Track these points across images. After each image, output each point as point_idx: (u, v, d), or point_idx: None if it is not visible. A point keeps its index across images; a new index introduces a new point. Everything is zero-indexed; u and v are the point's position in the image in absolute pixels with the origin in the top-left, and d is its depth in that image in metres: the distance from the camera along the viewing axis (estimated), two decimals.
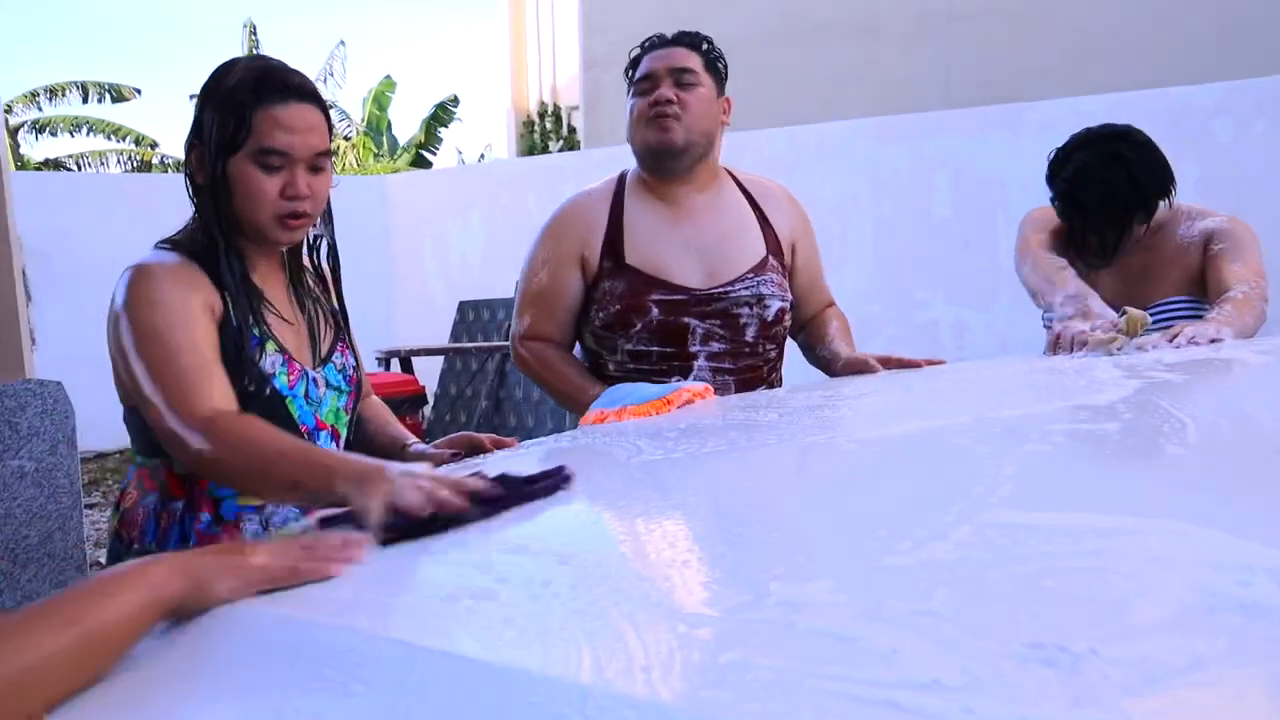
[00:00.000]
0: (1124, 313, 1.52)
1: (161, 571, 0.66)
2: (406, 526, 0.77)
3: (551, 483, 0.82)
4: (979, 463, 0.77)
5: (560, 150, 10.68)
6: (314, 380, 1.30)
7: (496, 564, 0.68)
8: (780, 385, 1.77)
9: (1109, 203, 1.76)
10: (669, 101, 1.62)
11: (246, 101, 1.18)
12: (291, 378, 1.26)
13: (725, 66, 1.72)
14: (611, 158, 6.92)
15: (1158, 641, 0.42)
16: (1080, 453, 0.80)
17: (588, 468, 0.91)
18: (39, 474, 2.75)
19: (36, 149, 13.57)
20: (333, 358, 1.35)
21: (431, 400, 5.98)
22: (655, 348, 1.64)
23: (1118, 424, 0.87)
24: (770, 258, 1.70)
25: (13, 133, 12.86)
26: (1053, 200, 1.85)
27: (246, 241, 1.26)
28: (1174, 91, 4.74)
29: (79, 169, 13.18)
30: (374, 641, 0.55)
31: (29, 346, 3.16)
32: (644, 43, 1.71)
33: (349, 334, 1.41)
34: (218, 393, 1.13)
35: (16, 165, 11.60)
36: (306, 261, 1.39)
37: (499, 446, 1.29)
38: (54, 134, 13.39)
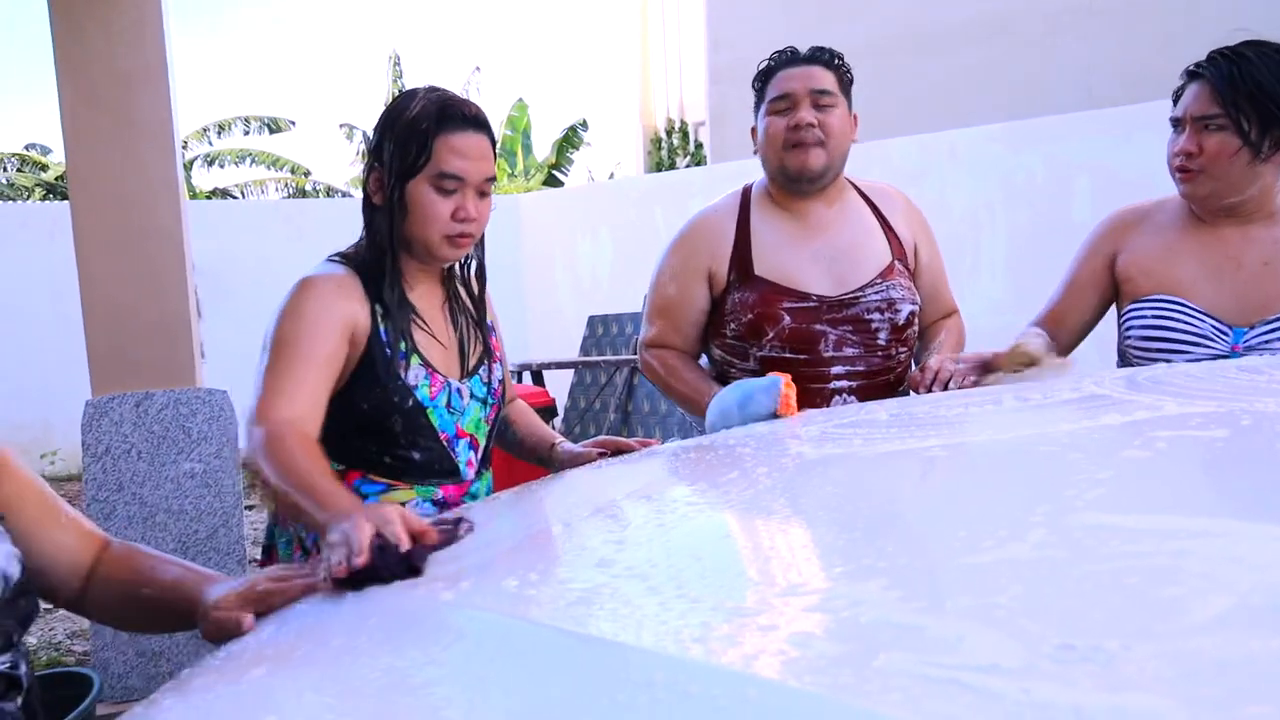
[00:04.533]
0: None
1: None
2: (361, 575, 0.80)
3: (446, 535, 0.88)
4: (1073, 467, 0.77)
5: (687, 166, 10.77)
6: (458, 391, 1.38)
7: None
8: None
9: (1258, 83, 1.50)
10: (810, 125, 1.64)
11: (429, 129, 1.28)
12: (434, 389, 1.35)
13: (852, 81, 1.74)
14: (739, 172, 6.95)
15: (1213, 638, 0.43)
16: (1181, 458, 0.79)
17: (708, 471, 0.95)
18: (207, 475, 3.01)
19: (206, 179, 14.71)
20: (479, 370, 1.43)
21: (561, 413, 6.15)
22: (789, 354, 1.66)
23: (1228, 429, 0.85)
24: (896, 262, 1.71)
25: (187, 166, 14.02)
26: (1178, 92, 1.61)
27: (410, 259, 1.36)
28: None
29: (242, 196, 14.20)
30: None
31: (199, 358, 3.47)
32: (776, 56, 1.72)
33: (493, 347, 1.47)
34: (299, 404, 1.19)
35: (190, 195, 12.63)
36: (459, 280, 1.47)
37: (643, 447, 1.37)
38: (221, 165, 14.47)
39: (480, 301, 1.48)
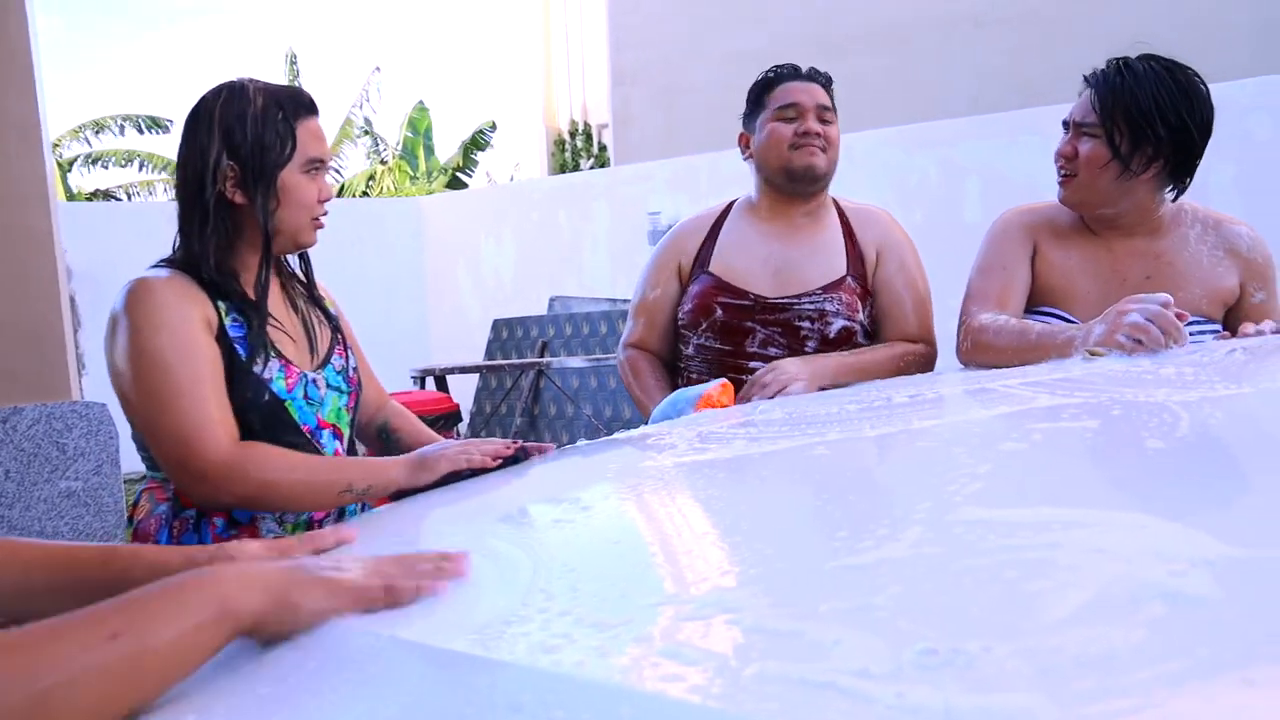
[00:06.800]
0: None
1: (236, 583, 0.58)
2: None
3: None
4: (953, 462, 0.78)
5: (591, 167, 10.76)
6: (314, 382, 1.36)
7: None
8: None
9: (1150, 93, 1.52)
10: (817, 134, 1.77)
11: (288, 118, 1.31)
12: (290, 381, 1.32)
13: None
14: (642, 173, 6.98)
15: (1073, 634, 0.43)
16: (1061, 450, 0.81)
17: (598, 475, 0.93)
18: (85, 493, 2.84)
19: (88, 180, 14.00)
20: (331, 359, 1.42)
21: (466, 418, 6.05)
22: (716, 345, 1.78)
23: (1099, 420, 0.87)
24: (849, 279, 1.77)
25: (68, 165, 13.30)
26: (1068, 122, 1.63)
27: (252, 253, 1.34)
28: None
29: (129, 199, 13.56)
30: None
31: (76, 370, 3.28)
32: (778, 69, 1.85)
33: (342, 333, 1.48)
34: (223, 431, 1.20)
35: (67, 197, 11.97)
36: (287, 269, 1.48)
37: (539, 452, 1.35)
38: (105, 166, 13.80)
39: (312, 286, 1.48)
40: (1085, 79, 1.63)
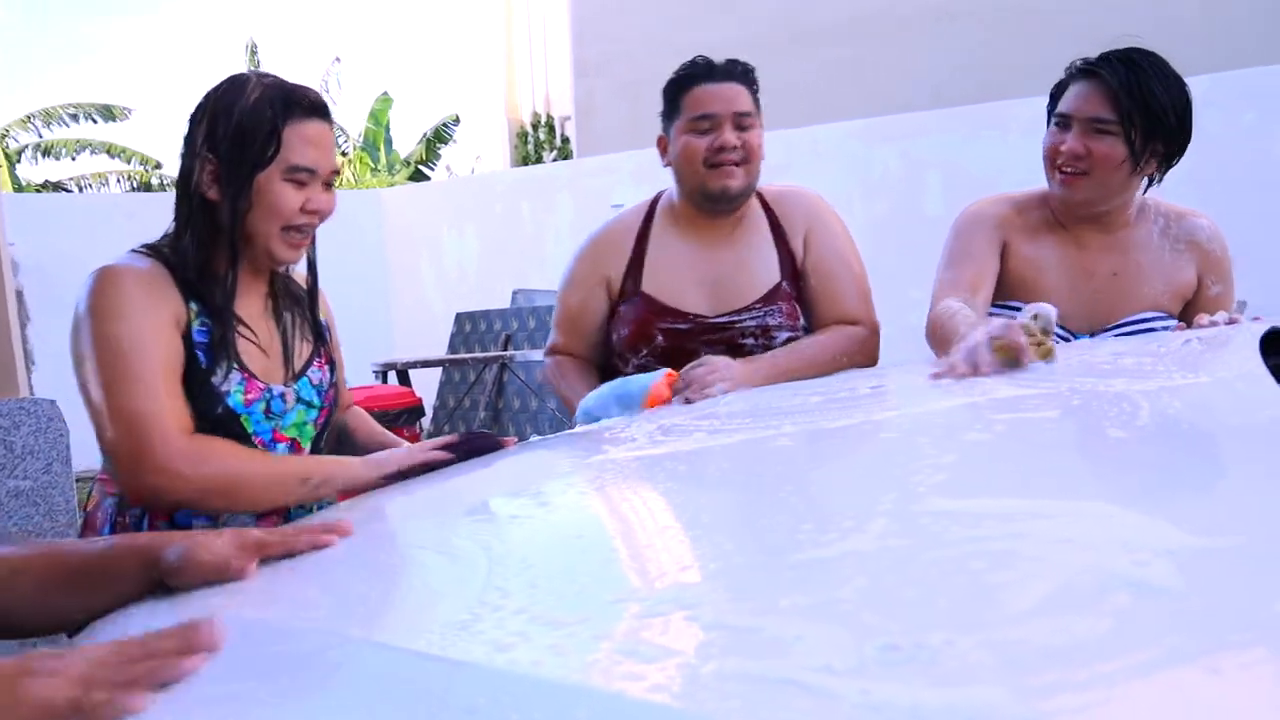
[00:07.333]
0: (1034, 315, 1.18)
1: None
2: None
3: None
4: (917, 453, 0.77)
5: (554, 160, 10.71)
6: (281, 396, 1.30)
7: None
8: None
9: (1129, 81, 1.49)
10: (735, 148, 1.62)
11: (275, 117, 1.21)
12: (249, 396, 1.27)
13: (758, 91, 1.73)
14: (605, 165, 6.95)
15: (1037, 625, 0.43)
16: (1023, 440, 0.81)
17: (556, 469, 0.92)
18: (35, 492, 2.76)
19: (37, 171, 13.67)
20: (308, 372, 1.35)
21: (430, 412, 5.99)
22: (659, 367, 1.63)
23: (1059, 410, 0.88)
24: (784, 284, 1.70)
25: (15, 156, 12.95)
26: (1050, 114, 1.60)
27: (239, 258, 1.26)
28: None
29: (80, 191, 13.25)
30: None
31: (23, 366, 3.18)
32: (689, 68, 1.69)
33: (328, 346, 1.42)
34: (178, 421, 1.15)
35: (15, 188, 11.66)
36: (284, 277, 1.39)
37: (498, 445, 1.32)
38: (57, 157, 13.47)
39: (312, 299, 1.40)
40: (1082, 70, 1.57)
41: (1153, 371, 1.09)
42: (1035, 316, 1.15)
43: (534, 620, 0.53)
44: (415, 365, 5.59)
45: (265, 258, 1.27)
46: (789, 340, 1.69)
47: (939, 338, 1.45)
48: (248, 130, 1.20)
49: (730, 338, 1.67)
